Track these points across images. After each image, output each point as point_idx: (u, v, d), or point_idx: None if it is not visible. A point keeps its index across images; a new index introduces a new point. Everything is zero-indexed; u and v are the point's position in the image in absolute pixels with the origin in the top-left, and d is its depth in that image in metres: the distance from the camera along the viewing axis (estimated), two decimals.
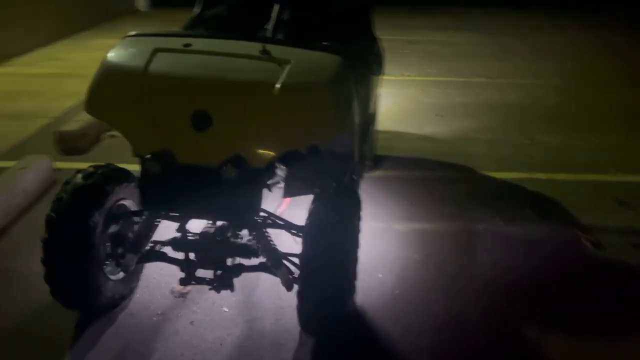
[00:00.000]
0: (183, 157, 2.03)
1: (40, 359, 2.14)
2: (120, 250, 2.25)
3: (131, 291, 2.45)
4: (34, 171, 3.45)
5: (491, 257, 2.90)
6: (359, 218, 2.23)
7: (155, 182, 2.04)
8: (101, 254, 2.17)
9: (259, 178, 2.07)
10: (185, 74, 2.08)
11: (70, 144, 3.97)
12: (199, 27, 3.11)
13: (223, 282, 2.15)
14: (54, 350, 2.16)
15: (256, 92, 2.03)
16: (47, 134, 4.29)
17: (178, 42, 2.23)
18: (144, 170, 2.05)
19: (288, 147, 2.04)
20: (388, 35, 5.53)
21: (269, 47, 2.18)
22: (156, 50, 2.15)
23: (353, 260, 2.18)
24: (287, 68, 2.08)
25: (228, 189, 2.01)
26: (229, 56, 2.15)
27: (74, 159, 3.87)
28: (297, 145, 2.05)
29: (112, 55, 2.18)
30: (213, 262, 2.15)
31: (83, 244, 2.08)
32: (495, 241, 3.05)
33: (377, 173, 3.88)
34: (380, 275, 2.70)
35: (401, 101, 5.77)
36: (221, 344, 2.19)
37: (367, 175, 3.68)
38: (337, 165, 2.37)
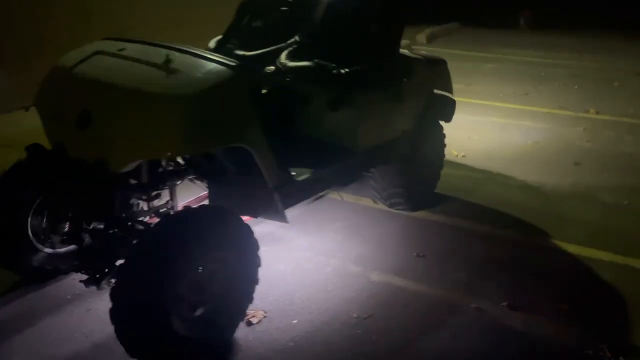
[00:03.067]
0: (70, 151, 2.17)
1: None
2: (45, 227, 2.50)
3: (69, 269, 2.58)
4: None
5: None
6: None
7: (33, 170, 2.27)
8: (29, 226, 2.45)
9: (114, 181, 2.09)
10: (86, 76, 2.20)
11: None
12: (230, 37, 3.20)
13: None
14: None
15: (122, 99, 2.05)
16: None
17: (118, 47, 2.36)
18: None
19: (138, 156, 2.00)
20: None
21: (178, 56, 2.17)
22: (95, 53, 2.34)
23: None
24: (167, 78, 2.04)
25: (84, 186, 2.09)
26: (137, 62, 2.19)
27: None
28: (146, 155, 1.99)
29: (68, 53, 2.43)
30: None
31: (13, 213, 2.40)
32: (478, 328, 2.39)
33: (417, 213, 3.37)
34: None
35: (544, 138, 4.84)
36: None
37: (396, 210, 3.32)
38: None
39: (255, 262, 2.24)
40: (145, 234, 2.07)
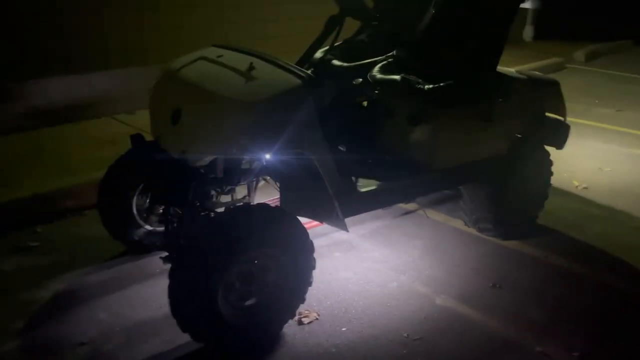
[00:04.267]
0: (164, 144, 2.46)
1: None
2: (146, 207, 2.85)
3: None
4: None
5: None
6: None
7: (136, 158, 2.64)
8: (134, 205, 2.83)
9: (189, 173, 2.32)
10: (184, 78, 2.45)
11: None
12: (340, 49, 3.31)
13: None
14: None
15: (204, 100, 2.28)
16: None
17: (219, 54, 2.61)
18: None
19: (210, 152, 2.23)
20: None
21: (261, 65, 2.36)
22: (199, 58, 2.62)
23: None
24: (245, 85, 2.24)
25: (166, 175, 2.36)
26: (228, 68, 2.41)
27: None
28: (215, 152, 2.22)
29: (179, 58, 2.73)
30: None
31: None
32: None
33: (508, 243, 3.18)
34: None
35: None
36: None
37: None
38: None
39: (308, 264, 2.33)
40: (202, 222, 2.28)
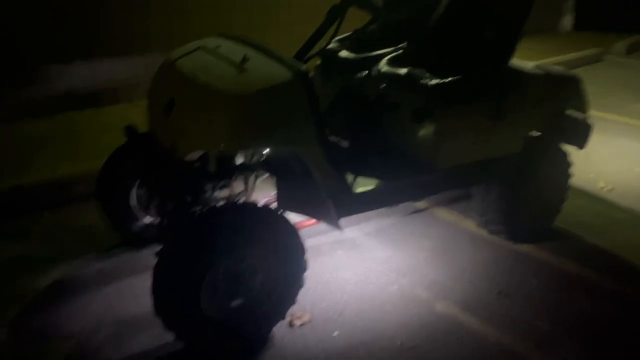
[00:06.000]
0: (158, 136, 2.41)
1: None
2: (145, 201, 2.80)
3: None
4: None
5: None
6: None
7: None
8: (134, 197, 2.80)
9: (179, 167, 2.26)
10: (180, 68, 2.38)
11: None
12: (350, 40, 3.18)
13: None
14: None
15: (195, 92, 2.20)
16: None
17: (217, 44, 2.52)
18: None
19: (197, 146, 2.16)
20: None
21: (256, 57, 2.27)
22: (198, 48, 2.54)
23: None
24: (237, 76, 2.16)
25: (157, 168, 2.31)
26: (223, 59, 2.33)
27: None
28: (202, 147, 2.14)
29: (178, 48, 2.66)
30: None
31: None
32: None
33: (522, 246, 3.00)
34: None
35: None
36: None
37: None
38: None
39: (299, 266, 2.25)
40: (186, 219, 2.22)
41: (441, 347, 2.30)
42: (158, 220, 2.84)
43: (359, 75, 2.76)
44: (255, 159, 2.48)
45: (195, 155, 2.28)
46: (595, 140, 3.04)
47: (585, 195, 3.69)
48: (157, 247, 2.27)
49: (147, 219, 2.92)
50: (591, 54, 7.81)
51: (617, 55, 8.29)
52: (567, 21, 10.91)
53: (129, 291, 2.60)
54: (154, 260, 2.09)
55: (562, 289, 2.72)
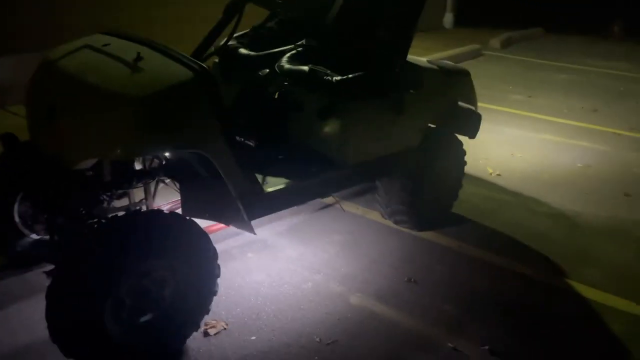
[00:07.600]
0: (40, 145, 2.20)
1: None
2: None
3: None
4: None
5: None
6: None
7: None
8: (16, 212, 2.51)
9: (67, 177, 2.08)
10: (61, 70, 2.18)
11: None
12: (248, 37, 3.13)
13: None
14: None
15: (81, 95, 2.02)
16: None
17: (105, 42, 2.35)
18: None
19: (89, 154, 1.98)
20: None
21: (151, 55, 2.12)
22: (84, 47, 2.35)
23: None
24: (131, 77, 2.01)
25: (42, 180, 2.10)
26: (113, 58, 2.15)
27: None
28: (95, 154, 1.98)
29: (59, 46, 2.43)
30: None
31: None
32: None
33: (424, 234, 3.14)
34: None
35: (597, 162, 4.42)
36: None
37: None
38: None
39: (211, 273, 2.16)
40: (83, 233, 2.04)
41: (358, 340, 2.33)
42: (47, 236, 2.62)
43: (260, 72, 2.70)
44: (154, 163, 2.34)
45: (86, 163, 2.10)
46: (481, 129, 3.26)
47: (477, 181, 3.94)
48: (48, 267, 2.07)
49: (34, 236, 2.66)
50: (473, 49, 8.38)
51: (493, 50, 8.98)
52: (449, 18, 11.62)
53: (16, 320, 2.33)
54: (45, 282, 1.89)
55: (465, 273, 2.87)
